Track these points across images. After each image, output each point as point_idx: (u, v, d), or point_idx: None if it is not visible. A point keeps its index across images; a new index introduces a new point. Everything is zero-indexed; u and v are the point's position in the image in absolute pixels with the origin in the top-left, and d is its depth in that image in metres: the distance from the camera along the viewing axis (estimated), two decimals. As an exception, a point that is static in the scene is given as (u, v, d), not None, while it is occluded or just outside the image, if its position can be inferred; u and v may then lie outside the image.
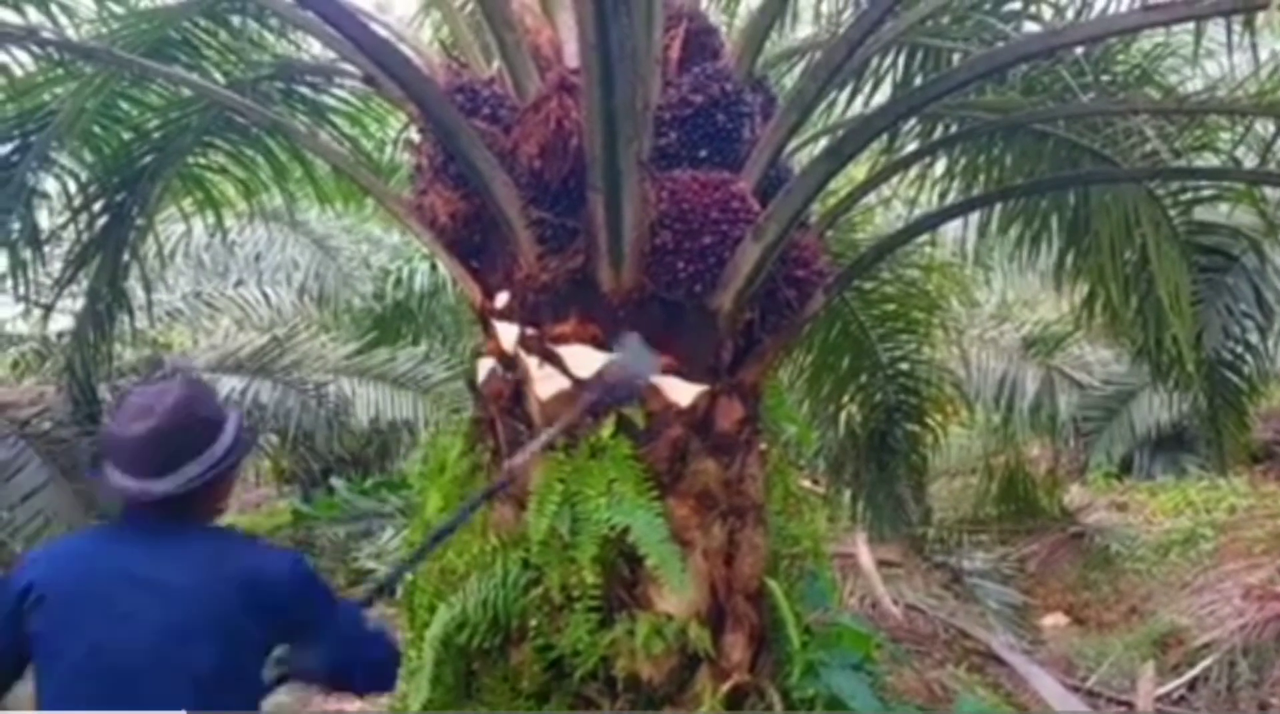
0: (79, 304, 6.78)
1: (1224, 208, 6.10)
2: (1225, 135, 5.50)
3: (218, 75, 5.08)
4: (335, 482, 10.32)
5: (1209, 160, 5.37)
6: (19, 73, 4.92)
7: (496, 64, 3.79)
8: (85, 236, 5.59)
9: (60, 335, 8.21)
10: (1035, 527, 8.70)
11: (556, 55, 3.59)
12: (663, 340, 3.54)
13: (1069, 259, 5.94)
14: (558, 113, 3.22)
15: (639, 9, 3.20)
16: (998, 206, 5.71)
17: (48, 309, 7.03)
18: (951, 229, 8.27)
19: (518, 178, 3.46)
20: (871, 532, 7.33)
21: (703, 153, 3.46)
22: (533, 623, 3.36)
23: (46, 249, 5.86)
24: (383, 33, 3.31)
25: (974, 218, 6.11)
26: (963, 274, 9.11)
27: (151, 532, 2.05)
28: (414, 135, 4.08)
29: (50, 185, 5.57)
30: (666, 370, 3.55)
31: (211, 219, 6.00)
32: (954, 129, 5.16)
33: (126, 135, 5.24)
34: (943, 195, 5.64)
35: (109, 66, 4.61)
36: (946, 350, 8.47)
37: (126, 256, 5.82)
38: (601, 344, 3.53)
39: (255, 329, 9.39)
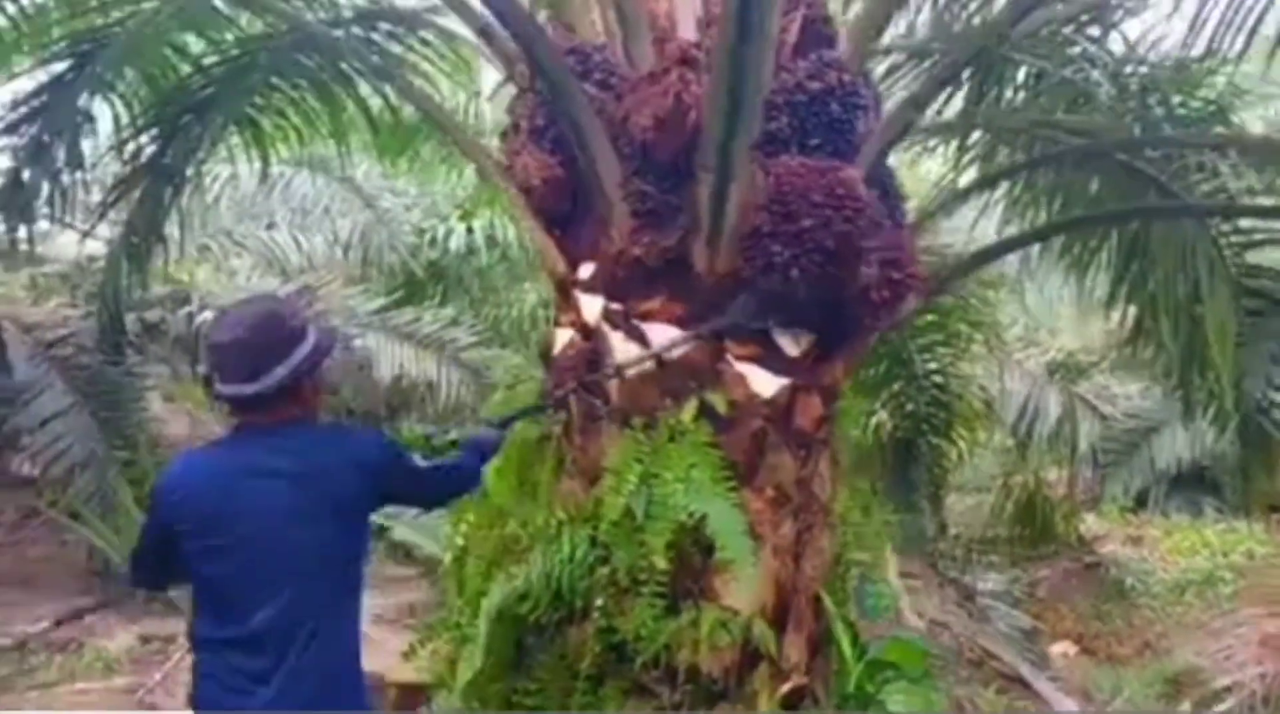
0: (112, 232, 6.72)
1: (1277, 254, 6.05)
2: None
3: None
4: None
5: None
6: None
7: (600, 29, 3.70)
8: (131, 166, 5.49)
9: (91, 260, 8.12)
10: (1048, 552, 8.67)
11: (672, 26, 3.49)
12: (750, 328, 3.49)
13: (1122, 287, 5.89)
14: (677, 86, 3.13)
15: (773, -13, 3.09)
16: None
17: (85, 234, 6.95)
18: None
19: (621, 148, 3.37)
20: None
21: (814, 141, 3.36)
22: (598, 603, 3.29)
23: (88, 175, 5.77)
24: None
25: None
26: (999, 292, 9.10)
27: (263, 431, 2.34)
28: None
29: (100, 111, 5.46)
30: (752, 359, 3.47)
31: (258, 163, 5.89)
32: (1037, 149, 5.12)
33: (185, 68, 5.14)
34: (1019, 216, 5.60)
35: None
36: (982, 367, 8.43)
37: (169, 191, 5.70)
38: (686, 324, 3.46)
39: (278, 275, 9.28)
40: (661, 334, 3.45)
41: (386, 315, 8.91)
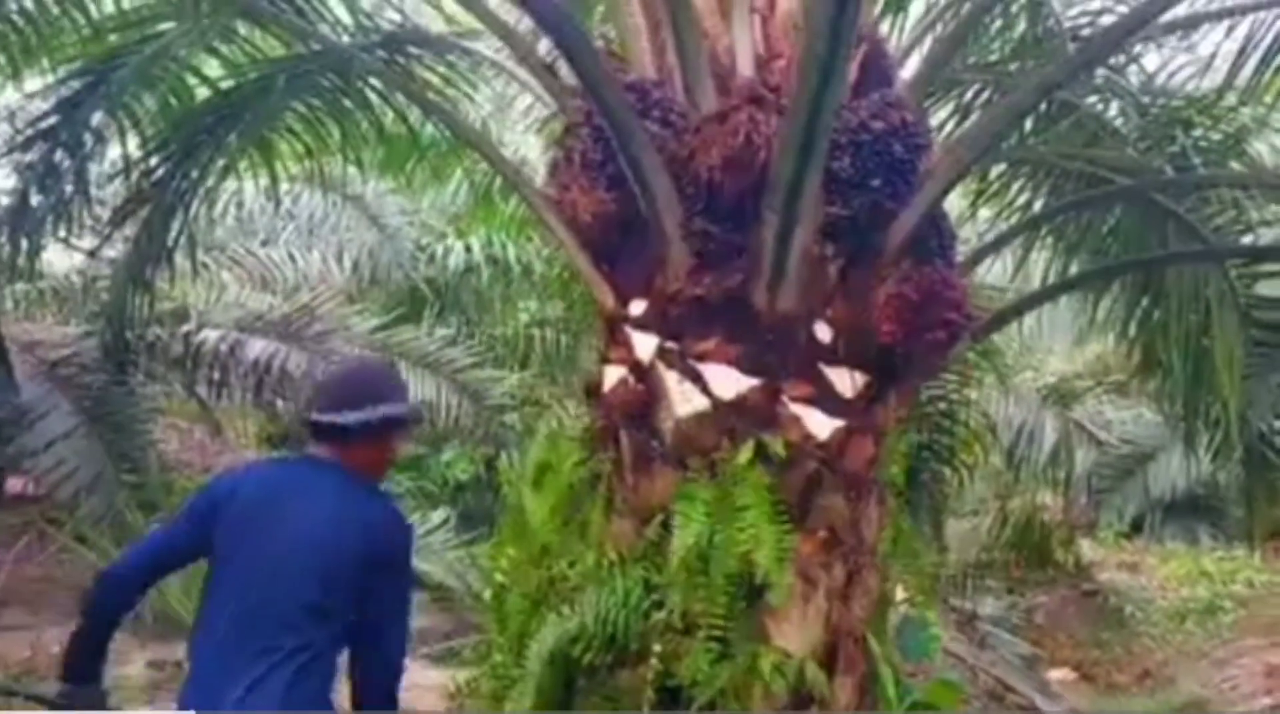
0: (114, 250, 6.62)
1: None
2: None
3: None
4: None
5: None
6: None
7: (653, 64, 3.67)
8: (140, 186, 5.40)
9: (85, 277, 7.98)
10: (1045, 578, 8.70)
11: (732, 64, 3.46)
12: (807, 369, 3.47)
13: (1134, 317, 5.95)
14: (747, 126, 3.11)
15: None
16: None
17: (91, 254, 6.83)
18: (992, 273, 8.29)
19: (684, 187, 3.34)
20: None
21: (875, 182, 3.35)
22: (656, 648, 3.24)
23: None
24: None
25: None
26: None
27: (317, 466, 2.47)
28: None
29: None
30: (808, 401, 3.45)
31: (265, 182, 5.83)
32: (1068, 186, 5.16)
33: (201, 91, 5.08)
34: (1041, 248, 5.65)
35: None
36: (977, 392, 8.45)
37: (179, 211, 5.61)
38: (745, 367, 3.43)
39: (272, 293, 9.16)
40: (719, 375, 3.42)
41: (385, 334, 8.82)
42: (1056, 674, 7.55)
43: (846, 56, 2.78)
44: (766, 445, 3.37)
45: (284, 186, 7.70)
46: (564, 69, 3.52)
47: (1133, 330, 6.01)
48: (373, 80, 4.89)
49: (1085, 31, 5.19)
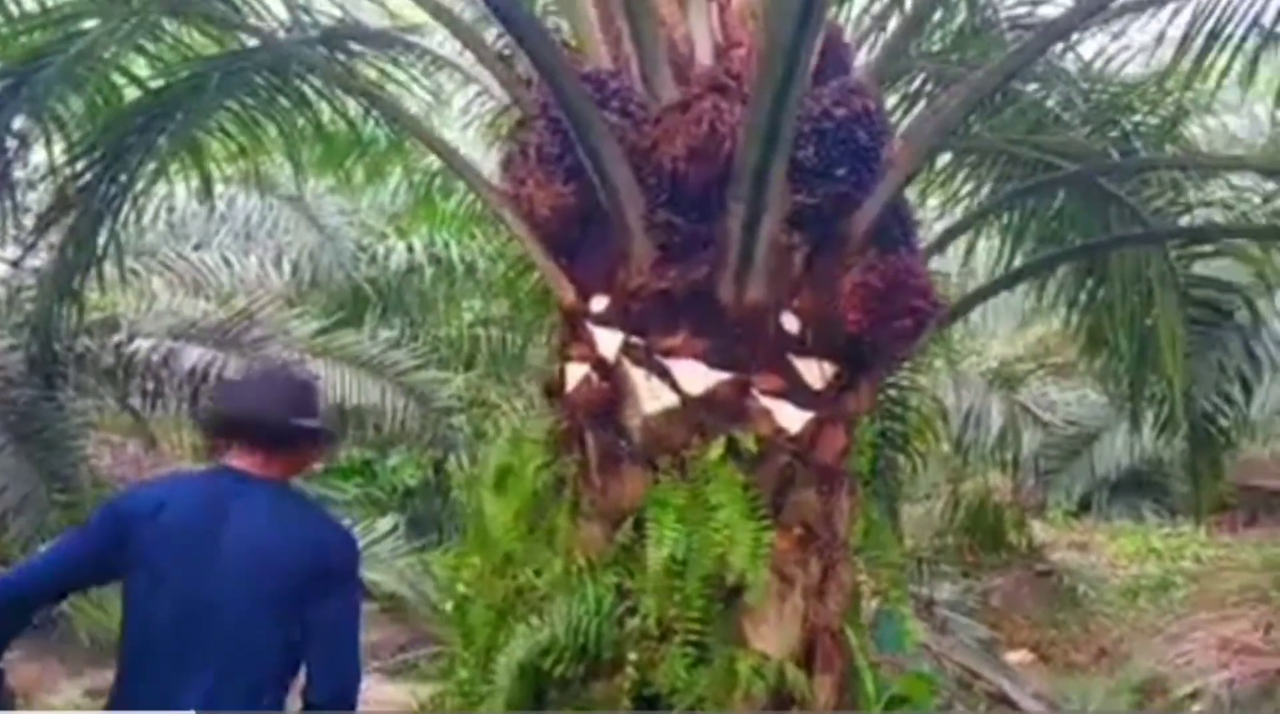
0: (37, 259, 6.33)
1: (1220, 263, 6.23)
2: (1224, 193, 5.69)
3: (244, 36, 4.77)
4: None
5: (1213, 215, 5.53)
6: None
7: (607, 54, 3.56)
8: (66, 191, 5.16)
9: (10, 286, 7.64)
10: (999, 561, 8.78)
11: (690, 53, 3.37)
12: (776, 361, 3.39)
13: (1081, 296, 6.01)
14: (711, 114, 3.01)
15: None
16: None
17: (15, 264, 6.54)
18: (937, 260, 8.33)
19: (644, 178, 3.24)
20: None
21: (840, 170, 3.28)
22: (631, 656, 3.14)
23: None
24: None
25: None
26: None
27: (245, 480, 2.35)
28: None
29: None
30: (778, 393, 3.37)
31: (197, 184, 5.61)
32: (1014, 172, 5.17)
33: (130, 92, 4.87)
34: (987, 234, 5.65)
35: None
36: (928, 378, 8.48)
37: (107, 216, 5.37)
38: (713, 361, 3.34)
39: (205, 297, 8.87)
40: (686, 370, 3.33)
41: (326, 338, 8.58)
42: (1015, 656, 7.60)
43: (813, 44, 2.70)
44: (738, 441, 3.28)
45: (218, 188, 7.46)
46: (519, 62, 3.38)
47: (1078, 313, 6.10)
48: (312, 77, 4.73)
49: (1025, 20, 5.22)
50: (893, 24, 3.85)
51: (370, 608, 6.76)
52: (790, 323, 3.41)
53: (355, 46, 4.81)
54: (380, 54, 4.77)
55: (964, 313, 4.55)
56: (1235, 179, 5.87)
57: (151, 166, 5.06)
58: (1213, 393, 6.69)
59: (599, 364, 3.45)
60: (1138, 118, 5.32)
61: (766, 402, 3.35)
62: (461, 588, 3.73)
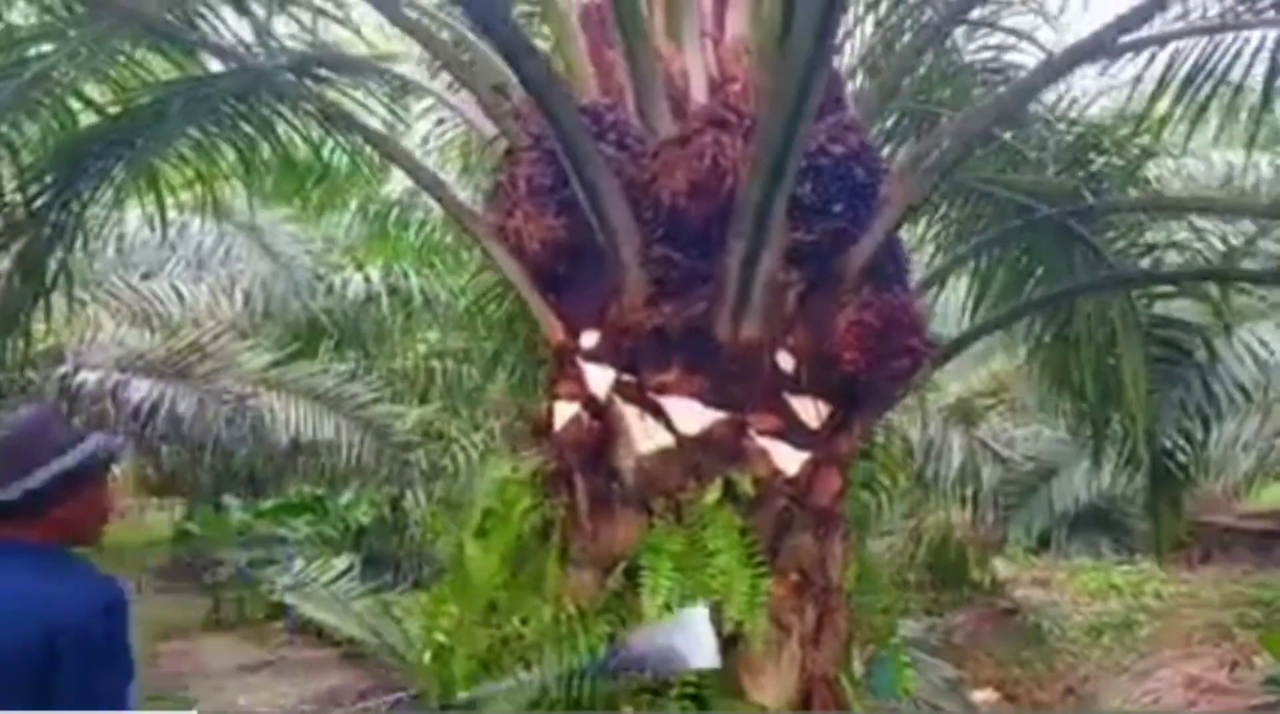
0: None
1: (1180, 303, 6.32)
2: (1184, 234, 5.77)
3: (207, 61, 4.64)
4: (229, 500, 9.53)
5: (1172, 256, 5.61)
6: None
7: (596, 87, 3.49)
8: (13, 219, 4.95)
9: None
10: (961, 597, 8.76)
11: (686, 87, 3.30)
12: (772, 400, 3.31)
13: (1045, 337, 6.06)
14: (713, 149, 2.94)
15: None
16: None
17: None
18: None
19: (641, 212, 3.15)
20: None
21: (836, 207, 3.22)
22: (626, 709, 3.00)
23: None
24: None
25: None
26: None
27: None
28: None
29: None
30: (774, 434, 3.28)
31: (149, 211, 5.43)
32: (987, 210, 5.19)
33: (85, 116, 4.69)
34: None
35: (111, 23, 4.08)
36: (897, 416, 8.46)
37: (57, 245, 5.16)
38: (708, 399, 3.25)
39: (151, 328, 8.58)
40: (681, 409, 3.23)
41: (280, 371, 8.37)
42: (980, 695, 7.55)
43: (822, 81, 2.64)
44: (735, 483, 3.18)
45: (170, 214, 7.25)
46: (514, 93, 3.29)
47: (1042, 351, 6.15)
48: (280, 104, 4.60)
49: (992, 64, 5.26)
50: (884, 64, 3.82)
51: (329, 653, 6.54)
52: (785, 361, 3.33)
53: (326, 74, 4.69)
54: (353, 81, 4.65)
55: (960, 350, 4.52)
56: (1196, 220, 5.95)
57: (107, 194, 4.90)
58: (1173, 430, 6.77)
59: (589, 402, 3.33)
60: (1103, 159, 5.39)
61: (763, 442, 3.26)
62: (440, 637, 3.57)
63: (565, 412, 3.39)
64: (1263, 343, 6.66)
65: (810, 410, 3.35)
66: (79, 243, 5.23)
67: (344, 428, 8.35)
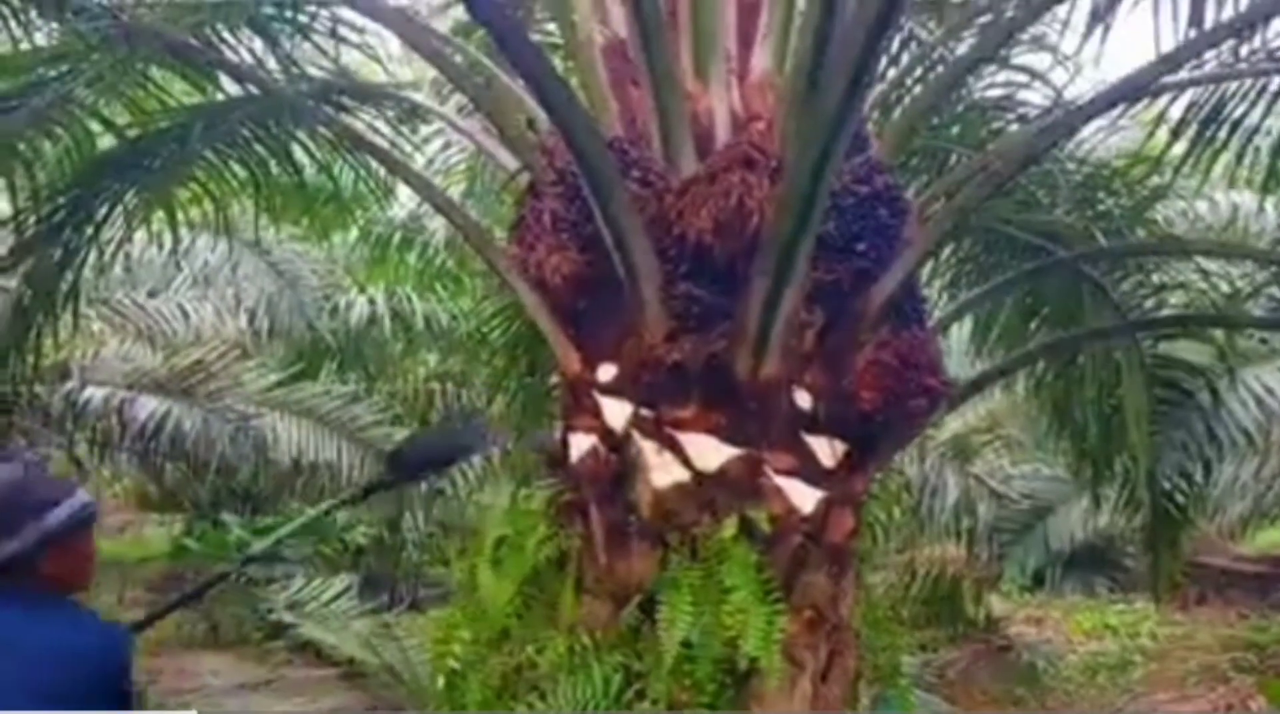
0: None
1: (1184, 344, 6.39)
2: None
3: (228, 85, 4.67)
4: (227, 517, 9.50)
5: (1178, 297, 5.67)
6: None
7: (618, 124, 3.53)
8: (26, 237, 4.97)
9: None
10: (955, 634, 8.75)
11: (711, 124, 3.34)
12: (789, 438, 3.34)
13: (1050, 372, 6.11)
14: (740, 189, 2.98)
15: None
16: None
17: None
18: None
19: (664, 249, 3.19)
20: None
21: (860, 246, 3.27)
22: (640, 742, 3.02)
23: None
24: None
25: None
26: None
27: None
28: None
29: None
30: (791, 472, 3.31)
31: (156, 229, 5.47)
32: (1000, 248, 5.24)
33: (103, 139, 4.73)
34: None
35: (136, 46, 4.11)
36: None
37: (70, 263, 5.18)
38: (725, 436, 3.27)
39: (154, 346, 8.59)
40: (698, 445, 3.25)
41: (284, 391, 8.38)
42: (974, 733, 7.54)
43: (853, 124, 2.69)
44: (752, 520, 3.21)
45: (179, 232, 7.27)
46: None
47: (1045, 389, 6.20)
48: (298, 129, 4.64)
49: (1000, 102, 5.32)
50: (906, 103, 3.88)
51: (329, 672, 6.52)
52: (803, 399, 3.36)
53: (348, 102, 4.74)
54: (372, 108, 4.69)
55: (977, 392, 4.55)
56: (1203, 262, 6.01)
57: (120, 214, 4.93)
58: (1174, 472, 6.81)
59: (606, 435, 3.36)
60: (1112, 200, 5.45)
61: (779, 480, 3.29)
62: (452, 663, 3.57)
63: (581, 443, 3.42)
64: (1266, 388, 6.71)
65: (826, 449, 3.38)
66: (90, 262, 5.27)
67: (345, 449, 8.36)
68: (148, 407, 7.23)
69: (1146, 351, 5.63)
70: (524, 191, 3.63)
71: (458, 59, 4.29)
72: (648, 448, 3.27)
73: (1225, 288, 5.78)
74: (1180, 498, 6.98)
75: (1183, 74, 3.76)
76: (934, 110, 4.02)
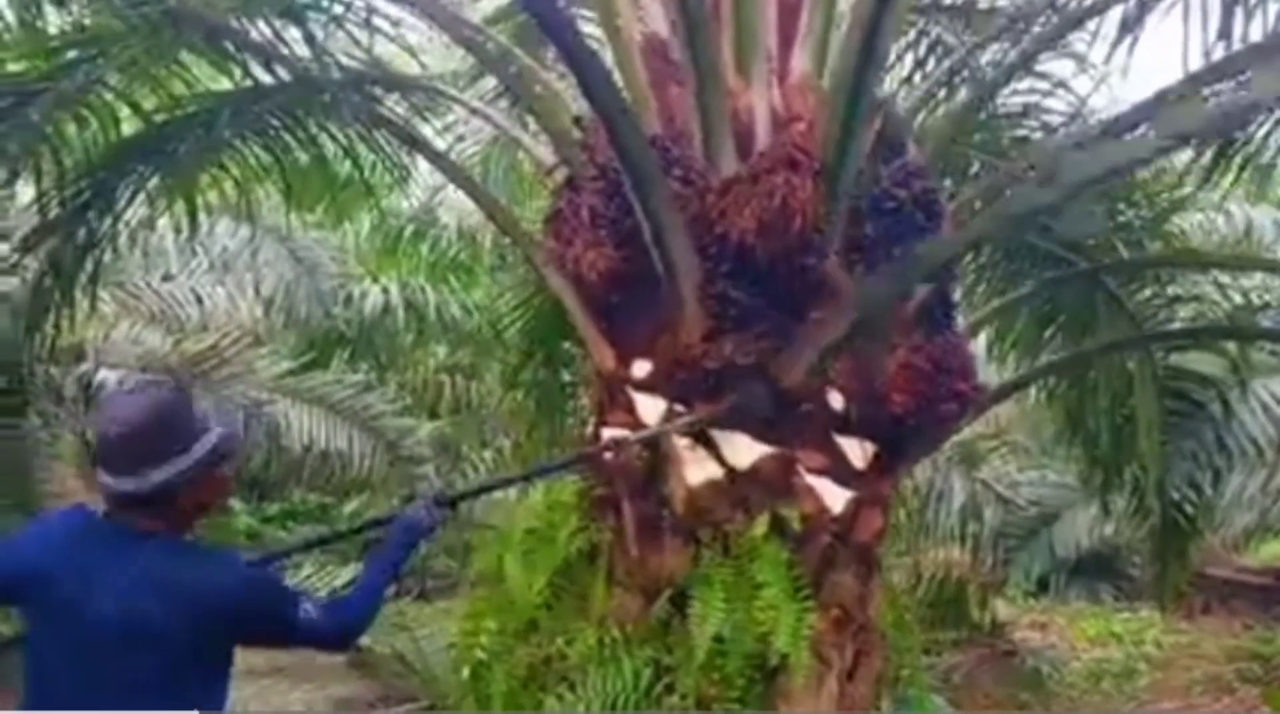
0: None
1: (1195, 355, 6.40)
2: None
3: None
4: (235, 504, 9.51)
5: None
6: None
7: (658, 122, 3.54)
8: (50, 218, 4.98)
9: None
10: (960, 638, 8.76)
11: (751, 124, 3.36)
12: (821, 439, 3.36)
13: (1064, 380, 6.13)
14: (784, 190, 2.99)
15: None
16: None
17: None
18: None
19: (704, 248, 3.21)
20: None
21: (897, 250, 3.29)
22: (667, 736, 3.04)
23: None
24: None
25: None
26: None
27: (119, 533, 2.14)
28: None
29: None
30: (822, 471, 3.33)
31: (179, 216, 5.47)
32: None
33: (130, 123, 4.74)
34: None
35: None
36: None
37: (91, 245, 5.19)
38: (758, 434, 3.30)
39: (168, 330, 8.59)
40: (732, 442, 3.28)
41: (297, 379, 8.37)
42: (978, 737, 7.55)
43: (867, 120, 2.70)
44: (784, 518, 3.23)
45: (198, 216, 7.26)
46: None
47: (1058, 398, 6.22)
48: (330, 120, 4.65)
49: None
50: (945, 110, 3.89)
51: (335, 662, 6.51)
52: (836, 400, 3.39)
53: (379, 91, 4.75)
54: (405, 98, 4.71)
55: (1002, 400, 4.58)
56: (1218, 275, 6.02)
57: (142, 199, 4.93)
58: (1184, 482, 6.83)
59: (640, 430, 3.38)
60: (1132, 211, 5.48)
61: (811, 479, 3.32)
62: (479, 654, 3.59)
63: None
64: (1277, 399, 6.72)
65: (857, 450, 3.40)
66: (112, 246, 5.28)
67: (357, 439, 8.35)
68: (161, 390, 7.21)
69: (1159, 362, 5.65)
70: (561, 185, 3.65)
71: (489, 48, 4.31)
72: (681, 444, 3.29)
73: (1239, 299, 5.80)
74: (1189, 508, 6.98)
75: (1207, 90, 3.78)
76: (972, 116, 4.03)
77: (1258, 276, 6.47)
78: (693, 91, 3.24)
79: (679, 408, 3.33)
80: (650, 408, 3.38)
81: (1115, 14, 4.25)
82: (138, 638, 2.06)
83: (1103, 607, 9.45)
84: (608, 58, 3.87)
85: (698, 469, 3.27)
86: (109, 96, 4.58)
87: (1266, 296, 6.20)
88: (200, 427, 2.18)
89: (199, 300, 8.53)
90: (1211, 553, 9.78)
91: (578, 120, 3.49)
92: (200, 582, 2.12)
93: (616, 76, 3.65)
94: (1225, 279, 5.80)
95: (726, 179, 3.16)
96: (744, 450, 3.28)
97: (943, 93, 4.27)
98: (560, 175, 3.72)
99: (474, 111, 4.94)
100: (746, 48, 3.36)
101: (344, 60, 4.81)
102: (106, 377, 7.40)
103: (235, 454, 2.31)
